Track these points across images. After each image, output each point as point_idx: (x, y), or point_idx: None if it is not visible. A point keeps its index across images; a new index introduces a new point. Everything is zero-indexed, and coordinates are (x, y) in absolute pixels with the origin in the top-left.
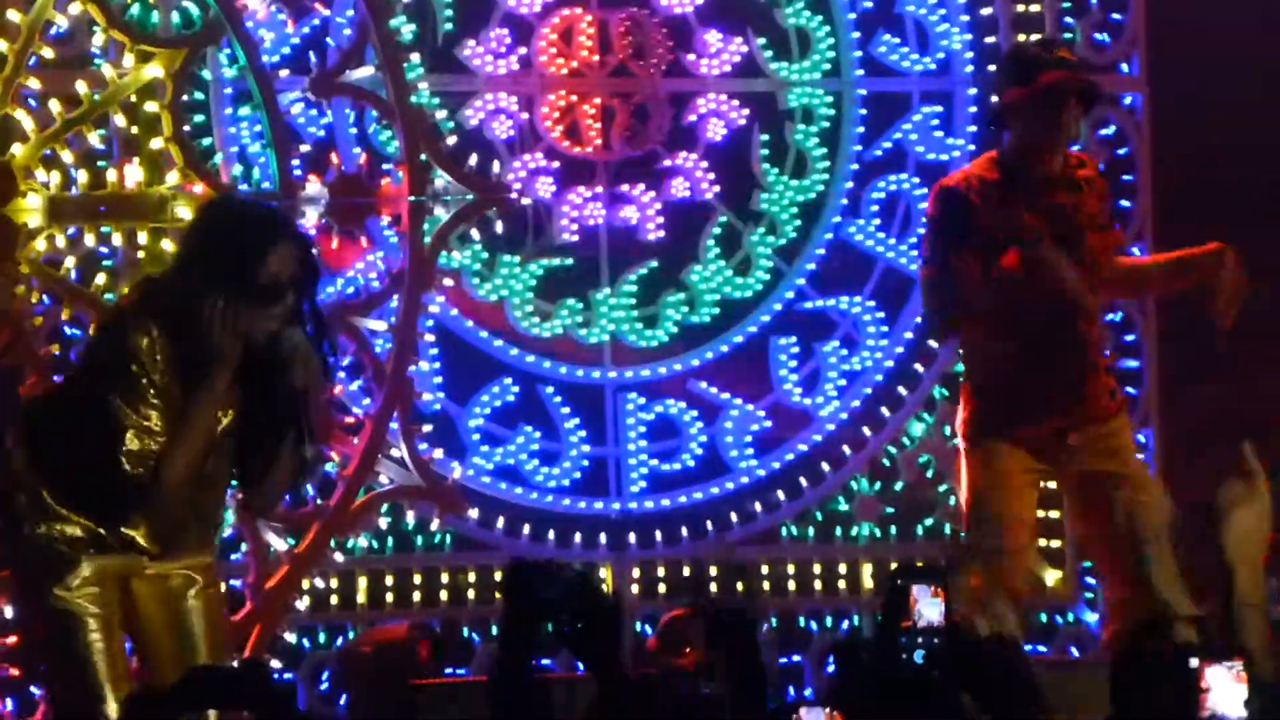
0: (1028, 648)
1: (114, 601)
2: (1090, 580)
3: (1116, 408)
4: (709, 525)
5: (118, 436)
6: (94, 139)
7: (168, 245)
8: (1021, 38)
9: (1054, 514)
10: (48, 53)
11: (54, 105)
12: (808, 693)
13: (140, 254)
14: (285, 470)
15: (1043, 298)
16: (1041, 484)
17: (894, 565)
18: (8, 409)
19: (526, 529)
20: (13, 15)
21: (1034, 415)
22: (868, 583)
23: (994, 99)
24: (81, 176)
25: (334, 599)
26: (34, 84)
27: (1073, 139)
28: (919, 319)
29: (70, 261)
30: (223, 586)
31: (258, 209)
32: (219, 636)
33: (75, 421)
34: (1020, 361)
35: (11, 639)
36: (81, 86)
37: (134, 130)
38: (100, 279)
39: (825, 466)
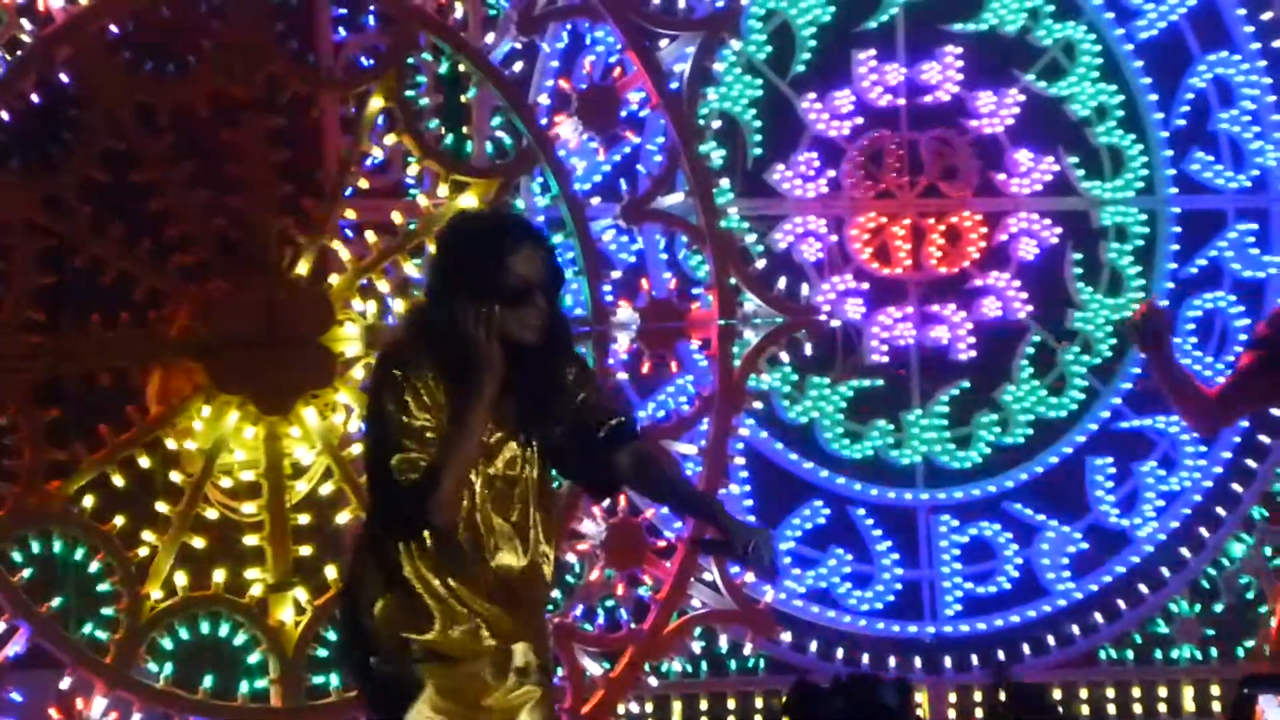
0: None
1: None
2: None
3: None
4: (1026, 649)
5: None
6: (410, 268)
7: None
8: None
9: None
10: (364, 183)
11: (370, 235)
12: None
13: None
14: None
15: None
16: None
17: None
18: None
19: (840, 652)
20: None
21: None
22: (1189, 705)
23: None
24: (398, 305)
25: None
26: (350, 214)
27: None
28: (1237, 439)
29: None
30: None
31: (497, 215)
32: None
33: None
34: None
35: None
36: (397, 216)
37: None
38: None
39: (1143, 588)
